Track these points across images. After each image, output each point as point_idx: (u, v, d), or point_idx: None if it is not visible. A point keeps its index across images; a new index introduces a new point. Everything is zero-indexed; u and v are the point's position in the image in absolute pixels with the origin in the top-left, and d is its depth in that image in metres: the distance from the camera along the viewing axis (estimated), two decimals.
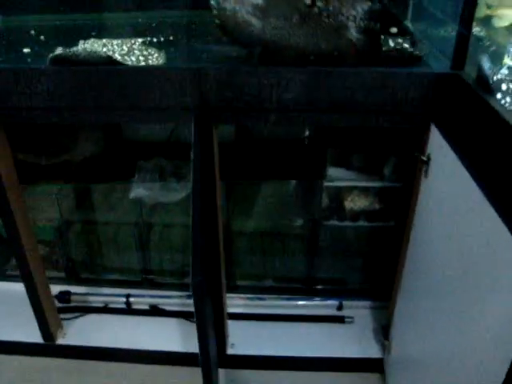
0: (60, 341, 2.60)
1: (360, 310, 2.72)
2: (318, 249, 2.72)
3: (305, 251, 2.76)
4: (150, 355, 2.55)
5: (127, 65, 1.83)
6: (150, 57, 1.94)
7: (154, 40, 2.13)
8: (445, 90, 1.66)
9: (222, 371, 2.49)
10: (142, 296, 2.82)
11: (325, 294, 2.79)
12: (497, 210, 1.20)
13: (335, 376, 2.49)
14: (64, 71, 1.77)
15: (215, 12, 1.69)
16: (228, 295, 2.50)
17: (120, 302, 2.79)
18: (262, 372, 2.52)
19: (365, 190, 2.56)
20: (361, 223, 2.57)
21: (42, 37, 2.18)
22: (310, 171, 2.52)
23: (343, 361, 2.49)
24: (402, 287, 2.15)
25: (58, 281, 2.88)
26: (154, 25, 2.41)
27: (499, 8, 1.80)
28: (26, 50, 2.02)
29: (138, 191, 2.63)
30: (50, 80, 1.77)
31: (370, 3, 1.66)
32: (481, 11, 1.76)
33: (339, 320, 2.67)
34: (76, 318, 2.73)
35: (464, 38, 1.60)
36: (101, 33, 2.26)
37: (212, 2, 1.68)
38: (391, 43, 1.84)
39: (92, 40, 2.10)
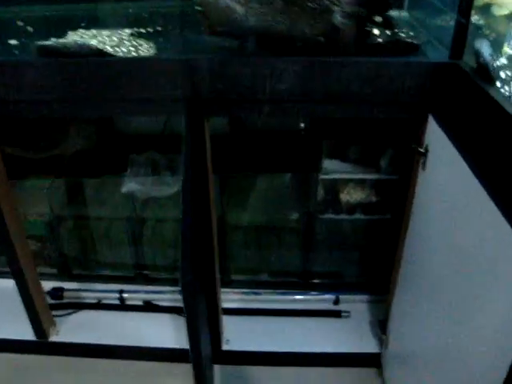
0: (53, 338, 2.56)
1: (357, 304, 2.69)
2: (313, 242, 2.69)
3: (300, 245, 2.72)
4: (145, 351, 2.52)
5: (118, 56, 1.78)
6: (140, 47, 1.89)
7: (146, 30, 2.07)
8: (443, 80, 1.62)
9: (217, 367, 2.47)
10: (136, 292, 2.78)
11: (321, 288, 2.76)
12: (496, 203, 1.17)
13: (332, 371, 2.46)
14: (52, 63, 1.72)
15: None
16: (223, 290, 2.46)
17: (113, 298, 2.75)
18: (257, 368, 2.49)
19: (361, 183, 2.51)
20: (357, 216, 2.53)
21: (29, 28, 2.13)
22: (305, 164, 2.48)
23: (340, 356, 2.46)
24: (400, 281, 2.12)
25: (51, 277, 2.84)
26: (145, 15, 2.35)
27: None
28: (13, 42, 1.96)
29: (130, 186, 2.59)
30: (37, 72, 1.72)
31: None
32: None
33: (336, 314, 2.64)
34: (69, 314, 2.69)
35: (462, 26, 1.55)
36: (90, 23, 2.20)
37: None
38: (387, 32, 1.80)
39: (82, 31, 2.04)
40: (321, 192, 2.52)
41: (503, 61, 1.41)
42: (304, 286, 2.79)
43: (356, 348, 2.48)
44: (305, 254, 2.75)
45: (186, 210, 1.41)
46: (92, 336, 2.55)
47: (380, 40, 1.75)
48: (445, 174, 1.58)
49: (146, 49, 1.88)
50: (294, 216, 2.66)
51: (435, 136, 1.63)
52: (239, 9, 1.60)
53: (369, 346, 2.48)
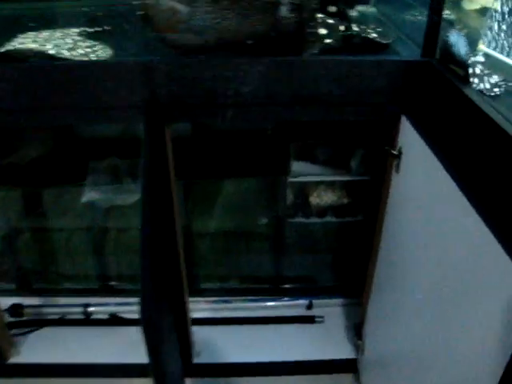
0: (13, 359, 2.40)
1: (331, 309, 2.62)
2: (284, 247, 2.60)
3: (271, 250, 2.64)
4: (112, 368, 2.39)
5: (71, 60, 1.65)
6: (95, 48, 1.76)
7: (99, 30, 1.94)
8: (416, 79, 1.54)
9: (189, 381, 2.36)
10: (101, 305, 2.65)
11: (294, 294, 2.68)
12: (473, 205, 1.12)
13: (308, 379, 2.38)
14: None
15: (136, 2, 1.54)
16: (192, 299, 2.36)
17: (78, 313, 2.61)
18: (231, 379, 2.40)
19: (331, 185, 2.44)
20: (328, 219, 2.45)
21: None
22: (273, 167, 2.39)
23: (315, 362, 2.39)
24: (375, 283, 2.06)
25: (9, 293, 2.68)
26: (99, 14, 2.22)
27: None
28: None
29: (90, 195, 2.45)
30: None
31: None
32: None
33: (309, 320, 2.56)
34: (30, 332, 2.54)
35: (435, 23, 1.48)
36: (41, 24, 2.06)
37: None
38: (355, 28, 1.71)
39: (32, 33, 1.89)
40: (290, 195, 2.44)
41: (479, 58, 1.34)
42: (276, 292, 2.71)
43: (331, 354, 2.40)
44: (276, 259, 2.67)
45: (145, 222, 1.29)
46: (55, 355, 2.41)
47: (327, 37, 1.66)
48: (420, 177, 1.51)
49: (101, 51, 1.75)
50: (263, 221, 2.58)
51: (409, 137, 1.56)
52: (183, 9, 1.49)
53: (344, 351, 2.41)
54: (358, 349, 2.32)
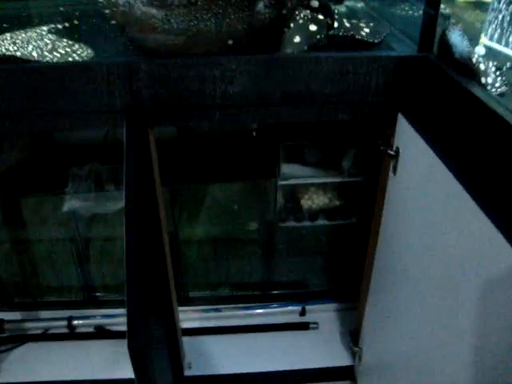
0: None
1: (325, 314, 2.55)
2: (275, 252, 2.53)
3: (262, 255, 2.56)
4: None
5: (46, 62, 1.55)
6: (75, 47, 1.66)
7: (76, 29, 1.84)
8: (413, 74, 1.47)
9: None
10: (86, 317, 2.55)
11: (286, 300, 2.60)
12: (478, 204, 1.06)
13: None
14: None
15: (107, 11, 1.44)
16: (181, 309, 2.28)
17: (61, 327, 2.51)
18: None
19: (323, 187, 2.36)
20: (320, 222, 2.38)
21: None
22: (262, 169, 2.31)
23: (311, 371, 2.32)
24: (372, 288, 1.99)
25: None
26: (77, 13, 2.11)
27: None
28: None
29: (71, 203, 2.34)
30: None
31: None
32: None
33: (303, 327, 2.49)
34: (12, 349, 2.43)
35: (431, 16, 1.40)
36: (15, 24, 1.95)
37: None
38: (346, 24, 1.63)
39: (8, 34, 1.78)
40: (280, 199, 2.35)
41: (480, 51, 1.27)
42: (267, 298, 2.63)
43: (327, 361, 2.34)
44: (266, 265, 2.58)
45: (130, 230, 1.20)
46: (38, 372, 2.31)
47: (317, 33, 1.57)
48: (419, 177, 1.44)
49: (81, 51, 1.65)
50: (253, 226, 2.49)
51: (406, 136, 1.49)
52: (157, 13, 1.40)
53: (341, 357, 2.35)
54: (355, 355, 2.25)
